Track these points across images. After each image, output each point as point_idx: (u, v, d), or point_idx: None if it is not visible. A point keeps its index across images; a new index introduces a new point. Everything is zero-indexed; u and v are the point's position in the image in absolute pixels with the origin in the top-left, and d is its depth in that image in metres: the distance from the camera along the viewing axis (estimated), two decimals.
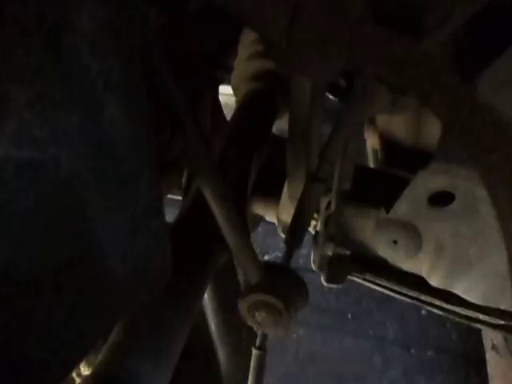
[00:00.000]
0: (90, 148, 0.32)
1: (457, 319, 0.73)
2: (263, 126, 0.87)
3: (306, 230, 0.61)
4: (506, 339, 1.46)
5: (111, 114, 0.32)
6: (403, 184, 0.60)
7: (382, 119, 0.92)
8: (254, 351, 0.63)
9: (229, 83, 0.97)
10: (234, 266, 0.91)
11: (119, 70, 0.32)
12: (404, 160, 0.88)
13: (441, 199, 0.59)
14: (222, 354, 0.84)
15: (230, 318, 0.85)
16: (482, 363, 1.69)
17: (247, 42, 0.91)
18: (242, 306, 0.56)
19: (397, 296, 0.75)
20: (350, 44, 0.35)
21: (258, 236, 2.05)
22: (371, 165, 1.03)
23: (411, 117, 0.83)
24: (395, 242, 0.67)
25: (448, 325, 1.92)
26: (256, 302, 0.54)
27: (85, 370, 0.71)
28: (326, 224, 0.71)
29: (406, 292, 0.73)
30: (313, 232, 0.79)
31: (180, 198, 0.92)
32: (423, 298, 0.72)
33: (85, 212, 0.33)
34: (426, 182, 0.57)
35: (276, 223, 0.86)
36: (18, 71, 0.25)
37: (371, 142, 1.00)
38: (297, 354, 1.93)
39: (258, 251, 0.59)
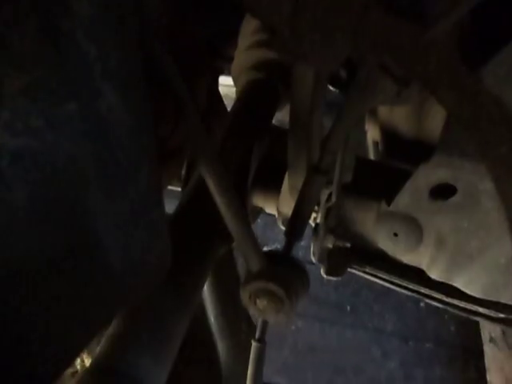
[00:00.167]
0: (88, 136, 0.31)
1: (456, 312, 0.73)
2: (264, 117, 0.86)
3: (306, 223, 0.61)
4: (503, 332, 1.47)
5: (110, 102, 0.32)
6: (404, 176, 0.60)
7: (383, 111, 0.91)
8: (254, 343, 0.63)
9: (229, 74, 0.96)
10: (233, 259, 0.91)
11: (118, 57, 0.31)
12: (405, 152, 0.88)
13: (442, 192, 0.58)
14: (221, 346, 0.84)
15: (229, 310, 0.85)
16: (479, 355, 1.70)
17: (248, 31, 0.90)
18: (244, 294, 0.56)
19: (397, 289, 0.75)
20: (354, 31, 0.34)
21: (257, 228, 2.05)
22: (371, 157, 1.03)
23: (413, 109, 0.82)
24: (396, 235, 0.67)
25: (446, 317, 1.93)
26: (257, 289, 0.54)
27: (88, 360, 0.71)
28: (326, 216, 0.71)
29: (405, 285, 0.73)
30: (313, 224, 0.79)
31: (180, 189, 0.92)
32: (423, 290, 0.72)
33: (83, 202, 0.33)
34: (428, 174, 0.57)
35: (276, 215, 0.85)
36: (13, 56, 0.24)
37: (372, 133, 0.99)
38: (295, 345, 1.94)
39: None
